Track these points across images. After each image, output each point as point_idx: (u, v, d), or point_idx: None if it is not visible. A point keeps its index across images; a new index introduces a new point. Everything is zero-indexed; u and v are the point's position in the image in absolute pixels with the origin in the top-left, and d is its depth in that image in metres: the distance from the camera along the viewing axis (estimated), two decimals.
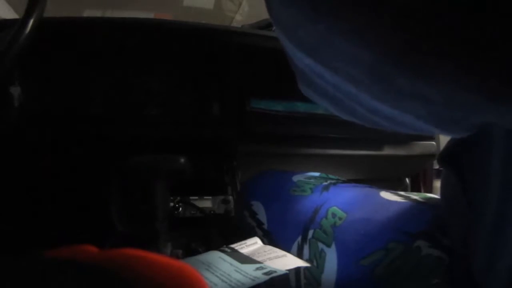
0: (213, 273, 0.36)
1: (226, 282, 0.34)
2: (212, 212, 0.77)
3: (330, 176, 0.54)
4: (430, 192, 1.01)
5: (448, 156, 0.32)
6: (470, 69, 0.14)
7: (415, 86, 0.15)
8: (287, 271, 0.36)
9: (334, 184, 0.48)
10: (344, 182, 0.51)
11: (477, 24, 0.12)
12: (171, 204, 0.73)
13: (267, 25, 0.76)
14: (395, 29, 0.14)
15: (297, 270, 0.42)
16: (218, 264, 0.39)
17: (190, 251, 0.66)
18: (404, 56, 0.15)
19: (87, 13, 1.44)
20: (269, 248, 0.43)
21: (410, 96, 0.16)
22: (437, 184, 1.05)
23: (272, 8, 0.19)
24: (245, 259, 0.40)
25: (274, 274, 0.35)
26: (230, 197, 0.76)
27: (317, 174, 0.53)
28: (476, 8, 0.12)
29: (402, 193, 0.43)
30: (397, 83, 0.16)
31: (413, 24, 0.13)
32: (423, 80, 0.15)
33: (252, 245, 0.44)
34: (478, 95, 0.14)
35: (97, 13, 1.44)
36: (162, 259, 0.25)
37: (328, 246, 0.39)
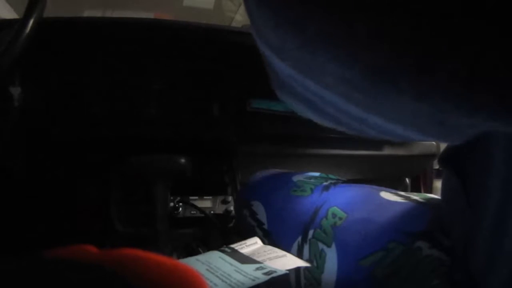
0: (213, 273, 0.36)
1: (226, 282, 0.34)
2: (212, 212, 0.77)
3: (330, 176, 0.53)
4: (430, 192, 1.01)
5: (448, 157, 0.32)
6: (471, 88, 0.13)
7: (414, 105, 0.15)
8: (287, 271, 0.36)
9: (334, 184, 0.48)
10: (344, 182, 0.51)
11: (482, 39, 0.12)
12: (171, 204, 0.73)
13: None
14: (392, 54, 0.13)
15: (297, 270, 0.42)
16: (218, 264, 0.39)
17: (190, 251, 0.66)
18: (407, 80, 0.14)
19: (87, 13, 1.44)
20: (269, 248, 0.43)
21: (410, 112, 0.16)
22: (437, 184, 1.05)
23: (254, 22, 0.18)
24: (245, 259, 0.40)
25: (274, 274, 0.35)
26: (230, 197, 0.76)
27: (317, 174, 0.53)
28: (478, 18, 0.12)
29: (402, 193, 0.42)
30: (397, 101, 0.15)
31: (413, 50, 0.13)
32: (424, 101, 0.14)
33: (252, 245, 0.44)
34: (480, 115, 0.14)
35: (97, 13, 1.45)
36: (162, 259, 0.24)
37: (328, 246, 0.39)
